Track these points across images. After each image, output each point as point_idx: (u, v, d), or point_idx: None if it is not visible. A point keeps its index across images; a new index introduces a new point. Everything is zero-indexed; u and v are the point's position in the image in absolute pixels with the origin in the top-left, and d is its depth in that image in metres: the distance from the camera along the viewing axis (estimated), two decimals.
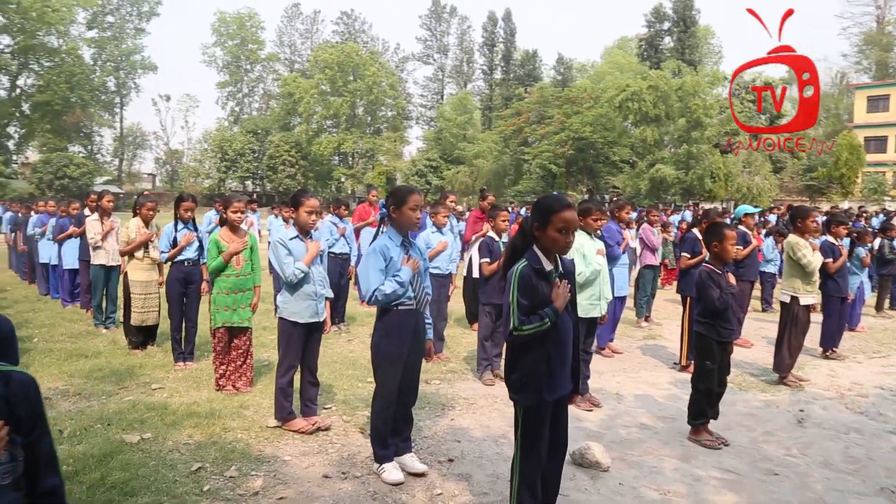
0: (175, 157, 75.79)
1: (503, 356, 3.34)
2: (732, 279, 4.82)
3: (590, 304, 5.53)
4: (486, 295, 6.47)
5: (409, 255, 4.01)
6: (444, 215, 7.05)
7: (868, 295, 9.40)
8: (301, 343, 4.86)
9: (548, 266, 3.04)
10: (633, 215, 20.21)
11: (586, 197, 53.23)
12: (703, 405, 4.76)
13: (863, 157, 42.63)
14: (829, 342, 7.49)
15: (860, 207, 25.39)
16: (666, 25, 60.64)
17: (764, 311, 10.85)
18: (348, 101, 67.57)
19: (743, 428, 5.16)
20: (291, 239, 4.83)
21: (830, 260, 7.35)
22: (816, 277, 6.27)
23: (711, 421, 4.86)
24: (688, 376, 5.39)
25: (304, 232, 4.87)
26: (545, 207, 3.04)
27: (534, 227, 3.05)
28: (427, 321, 4.22)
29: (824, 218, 8.67)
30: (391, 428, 4.19)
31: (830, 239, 7.50)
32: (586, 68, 73.39)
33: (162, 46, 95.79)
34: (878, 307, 10.58)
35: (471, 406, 5.58)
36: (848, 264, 9.33)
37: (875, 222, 17.13)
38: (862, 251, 9.07)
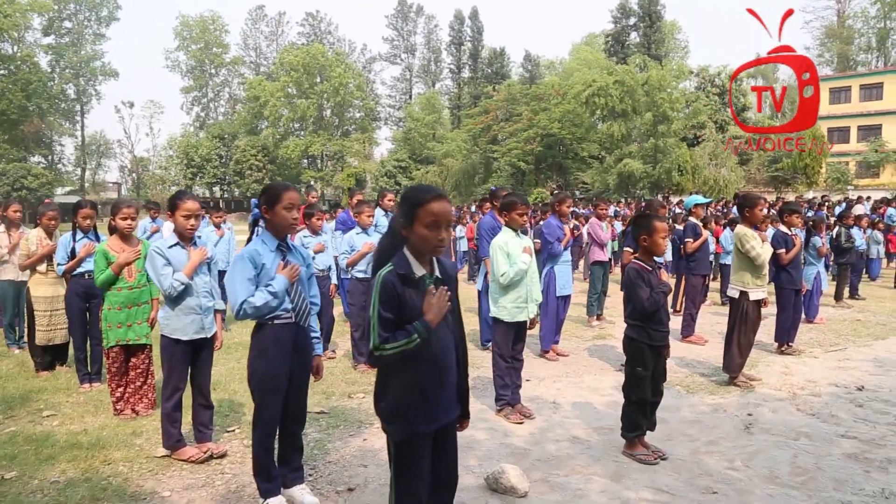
0: (141, 165, 74.12)
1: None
2: (665, 276, 4.38)
3: (516, 308, 5.07)
4: None
5: (287, 262, 3.49)
6: (369, 215, 6.53)
7: (825, 285, 9.08)
8: (186, 363, 4.33)
9: (419, 271, 2.53)
10: (612, 210, 19.83)
11: (558, 190, 53.12)
12: (638, 416, 4.30)
13: (826, 148, 42.91)
14: (784, 337, 7.12)
15: (823, 196, 25.43)
16: (632, 21, 60.80)
17: (723, 304, 10.51)
18: (315, 103, 66.93)
19: (685, 437, 4.72)
20: (170, 247, 4.28)
21: (783, 250, 6.99)
22: (766, 271, 5.88)
23: (652, 431, 4.43)
24: None
25: (185, 238, 4.33)
26: (410, 200, 2.52)
27: (401, 224, 2.54)
28: (314, 334, 3.72)
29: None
30: (279, 456, 3.68)
31: (783, 228, 7.14)
32: (555, 65, 73.51)
33: (124, 52, 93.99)
34: (837, 297, 10.29)
35: None
36: (804, 254, 9.03)
37: (838, 211, 17.01)
38: (818, 240, 8.75)
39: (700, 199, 7.66)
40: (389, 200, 8.50)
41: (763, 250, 5.69)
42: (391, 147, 74.52)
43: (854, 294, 11.07)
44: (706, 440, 4.66)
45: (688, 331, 7.80)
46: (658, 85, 38.56)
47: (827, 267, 9.82)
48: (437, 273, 2.62)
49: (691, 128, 42.52)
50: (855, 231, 11.03)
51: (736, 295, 5.83)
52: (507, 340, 5.13)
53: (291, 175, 67.42)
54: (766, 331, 7.32)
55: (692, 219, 7.73)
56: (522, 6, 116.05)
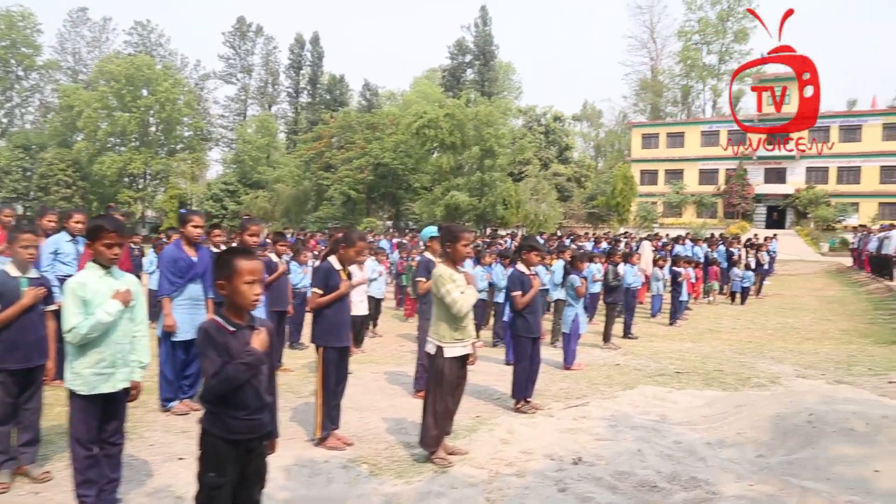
0: None
1: None
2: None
3: (96, 376, 3.51)
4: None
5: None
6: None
7: (583, 328, 8.42)
8: None
9: None
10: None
11: (391, 220, 52.69)
12: None
13: (635, 188, 46.02)
14: (521, 392, 6.13)
15: (625, 233, 26.49)
16: (468, 58, 62.51)
17: (494, 345, 9.69)
18: (137, 117, 61.43)
19: None
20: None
21: (519, 293, 6.07)
22: (469, 322, 4.80)
23: None
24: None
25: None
26: None
27: None
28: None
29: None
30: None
31: (521, 267, 6.24)
32: (395, 96, 73.77)
33: None
34: (605, 338, 9.78)
35: None
36: (564, 295, 8.34)
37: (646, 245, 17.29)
38: (576, 279, 8.08)
39: (435, 231, 6.60)
40: (76, 222, 6.63)
41: (461, 297, 4.57)
42: (223, 170, 70.56)
43: (627, 333, 10.73)
44: None
45: (419, 384, 6.66)
46: (486, 120, 39.27)
47: (585, 308, 9.19)
48: None
49: (518, 164, 43.78)
50: (626, 268, 10.75)
51: (432, 351, 4.70)
52: (89, 420, 3.56)
53: (108, 194, 61.13)
54: (504, 382, 6.38)
55: (427, 254, 6.63)
56: (366, 36, 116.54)
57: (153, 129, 65.16)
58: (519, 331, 6.08)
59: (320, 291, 4.99)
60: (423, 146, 40.96)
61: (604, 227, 42.00)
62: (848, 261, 27.46)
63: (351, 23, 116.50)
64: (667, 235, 23.82)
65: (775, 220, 48.49)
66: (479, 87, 57.30)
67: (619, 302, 9.79)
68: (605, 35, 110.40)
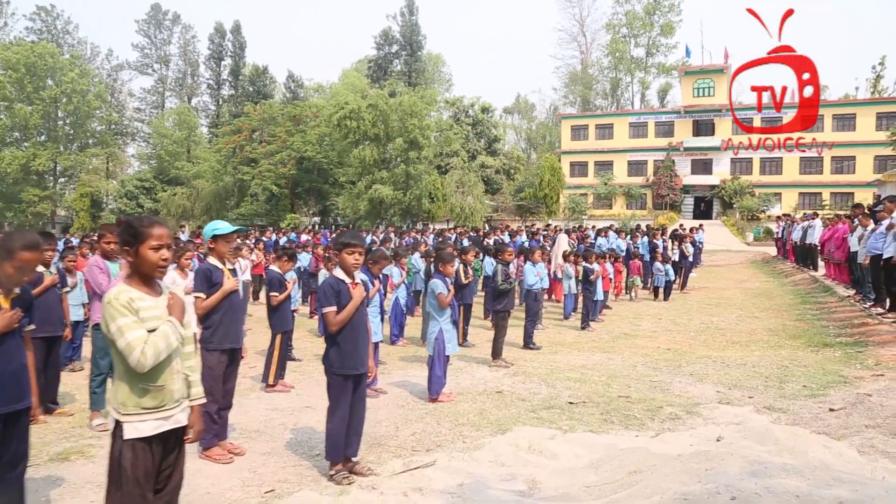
0: None
1: None
2: None
3: None
4: None
5: None
6: None
7: (452, 349, 6.54)
8: None
9: None
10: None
11: (317, 220, 50.06)
12: None
13: (563, 179, 45.09)
14: (336, 452, 4.26)
15: (548, 225, 25.21)
16: (394, 48, 60.54)
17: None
18: (40, 109, 56.82)
19: None
20: None
21: (332, 309, 4.26)
22: (165, 382, 2.85)
23: None
24: None
25: None
26: None
27: None
28: None
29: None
30: None
31: (339, 274, 4.43)
32: (323, 88, 70.99)
33: None
34: (494, 354, 7.93)
35: None
36: (428, 306, 6.58)
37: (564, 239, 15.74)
38: (438, 284, 6.31)
39: (223, 225, 4.68)
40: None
41: (138, 338, 2.64)
42: (140, 166, 66.60)
43: (528, 343, 9.09)
44: None
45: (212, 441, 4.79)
46: (410, 111, 37.44)
47: (454, 323, 7.45)
48: None
49: (444, 156, 42.15)
50: (527, 267, 9.11)
51: (110, 427, 2.80)
52: None
53: (10, 192, 56.57)
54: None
55: (211, 260, 4.67)
56: (291, 26, 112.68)
57: (61, 122, 60.66)
58: (333, 365, 4.28)
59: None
60: (346, 138, 38.81)
61: (531, 220, 40.82)
62: (772, 250, 27.07)
63: (275, 11, 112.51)
64: (593, 227, 22.62)
65: (703, 210, 48.59)
66: (407, 79, 55.42)
67: (509, 310, 8.08)
68: (537, 28, 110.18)
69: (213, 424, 4.69)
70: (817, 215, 19.29)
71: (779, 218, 27.70)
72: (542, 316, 10.74)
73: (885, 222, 9.76)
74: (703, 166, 49.70)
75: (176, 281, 7.38)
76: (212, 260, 4.76)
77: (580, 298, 11.65)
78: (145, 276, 2.80)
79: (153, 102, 73.11)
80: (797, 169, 47.19)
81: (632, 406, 5.92)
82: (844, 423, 5.06)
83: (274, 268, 7.15)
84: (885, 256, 9.49)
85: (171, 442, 2.84)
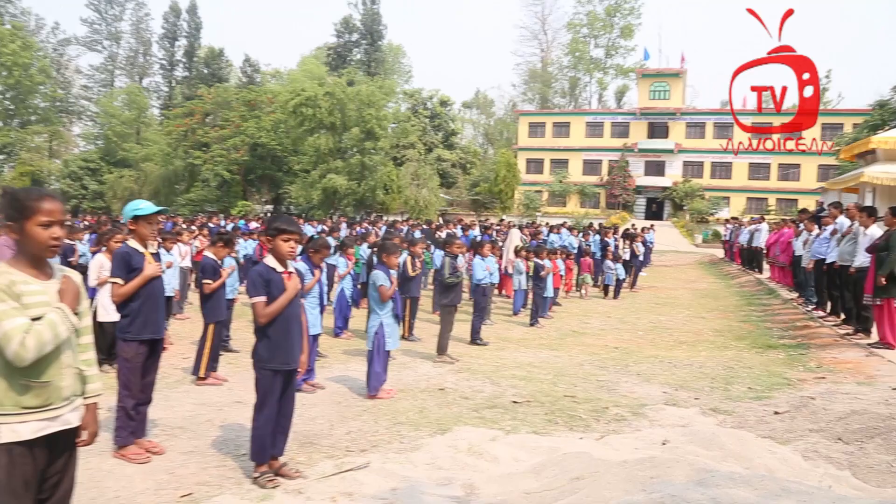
0: None
1: None
2: None
3: None
4: None
5: None
6: None
7: (392, 344, 6.21)
8: None
9: None
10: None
11: (270, 208, 48.93)
12: None
13: (518, 175, 45.20)
14: (261, 452, 4.00)
15: (501, 220, 25.14)
16: (354, 37, 59.65)
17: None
18: None
19: None
20: None
21: (262, 299, 3.94)
22: (49, 377, 2.46)
23: None
24: None
25: None
26: None
27: None
28: None
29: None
30: None
31: (270, 262, 4.11)
32: (281, 74, 69.42)
33: None
34: (439, 349, 7.74)
35: None
36: (370, 302, 6.29)
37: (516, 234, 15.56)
38: (380, 276, 6.02)
39: (145, 205, 4.28)
40: None
41: (18, 328, 2.25)
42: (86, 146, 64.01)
43: (475, 339, 8.90)
44: None
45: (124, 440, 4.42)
46: (368, 101, 36.89)
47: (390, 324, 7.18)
48: None
49: (400, 147, 41.71)
50: (476, 261, 8.92)
51: None
52: None
53: None
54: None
55: (131, 242, 4.29)
56: (250, 9, 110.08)
57: (0, 96, 57.80)
58: (262, 359, 3.97)
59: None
60: (302, 126, 38.01)
61: (486, 215, 40.79)
62: (720, 252, 27.65)
63: None
64: (546, 224, 22.64)
65: (654, 211, 49.45)
66: (366, 68, 54.68)
67: (456, 304, 7.87)
68: (499, 24, 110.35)
69: (130, 421, 4.32)
70: (763, 219, 19.72)
71: (727, 221, 28.30)
72: (490, 311, 10.60)
73: (830, 228, 9.93)
74: (656, 168, 50.56)
75: (104, 266, 6.92)
76: (132, 243, 4.39)
77: (530, 294, 11.53)
78: (33, 257, 2.46)
79: (102, 81, 70.30)
80: (746, 174, 48.44)
81: (577, 406, 5.77)
82: (789, 427, 5.00)
83: (209, 254, 6.76)
84: (828, 261, 9.65)
85: (60, 445, 2.51)
